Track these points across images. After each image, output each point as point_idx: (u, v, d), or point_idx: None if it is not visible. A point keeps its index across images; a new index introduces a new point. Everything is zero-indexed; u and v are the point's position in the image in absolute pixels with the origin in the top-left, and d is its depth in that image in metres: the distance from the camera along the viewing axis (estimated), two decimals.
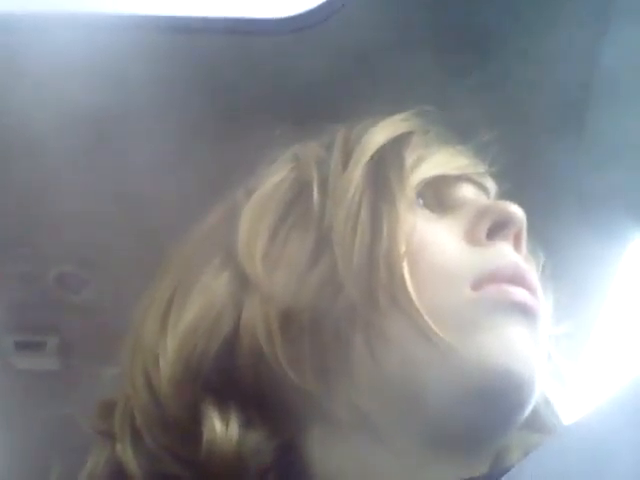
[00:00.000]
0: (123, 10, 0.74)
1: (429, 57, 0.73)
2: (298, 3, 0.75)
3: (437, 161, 0.51)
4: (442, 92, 0.66)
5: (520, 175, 0.72)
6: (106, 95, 0.77)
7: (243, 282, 0.48)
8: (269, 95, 0.77)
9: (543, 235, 0.52)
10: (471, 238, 0.48)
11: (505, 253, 0.48)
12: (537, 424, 0.51)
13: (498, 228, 0.48)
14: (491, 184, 0.55)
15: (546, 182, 0.78)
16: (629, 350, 0.92)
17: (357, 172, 0.49)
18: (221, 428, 0.45)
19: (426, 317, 0.44)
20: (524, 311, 0.46)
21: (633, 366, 0.86)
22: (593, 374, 0.91)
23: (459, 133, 0.53)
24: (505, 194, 0.54)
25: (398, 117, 0.54)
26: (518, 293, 0.46)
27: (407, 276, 0.45)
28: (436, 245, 0.47)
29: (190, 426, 0.46)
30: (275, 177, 0.52)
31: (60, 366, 1.05)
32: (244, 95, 0.77)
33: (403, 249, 0.46)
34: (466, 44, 0.71)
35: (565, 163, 0.75)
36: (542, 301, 0.48)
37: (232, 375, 0.47)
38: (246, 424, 0.46)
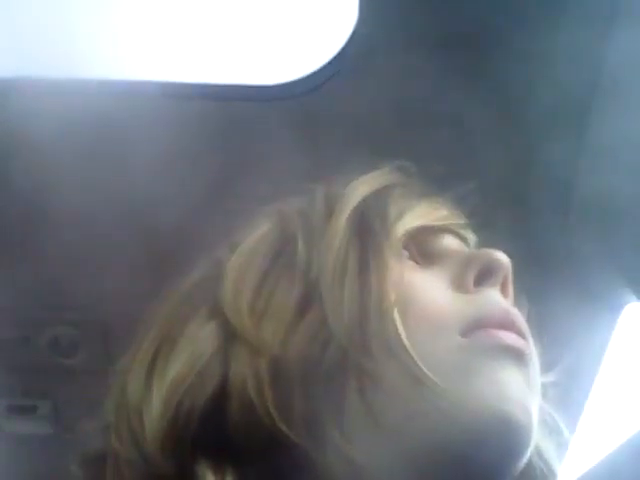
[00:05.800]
0: (134, 77, 0.77)
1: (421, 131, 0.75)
2: (290, 70, 0.77)
3: (419, 213, 0.52)
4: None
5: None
6: (118, 161, 0.79)
7: (230, 334, 0.48)
8: (262, 156, 0.79)
9: (531, 287, 0.52)
10: (458, 286, 0.48)
11: (493, 299, 0.48)
12: (529, 474, 0.50)
13: (485, 275, 0.48)
14: (471, 235, 0.55)
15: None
16: (626, 409, 0.92)
17: (342, 222, 0.50)
18: None
19: (420, 364, 0.44)
20: (515, 355, 0.45)
21: (630, 425, 0.85)
22: (590, 432, 0.90)
23: (439, 185, 0.54)
24: (485, 241, 0.54)
25: (378, 172, 0.55)
26: (508, 337, 0.45)
27: (399, 324, 0.46)
28: (424, 293, 0.48)
29: None
30: (259, 230, 0.53)
31: (51, 430, 1.04)
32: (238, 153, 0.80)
33: (393, 298, 0.46)
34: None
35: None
36: (532, 345, 0.48)
37: (223, 433, 0.46)
38: None
